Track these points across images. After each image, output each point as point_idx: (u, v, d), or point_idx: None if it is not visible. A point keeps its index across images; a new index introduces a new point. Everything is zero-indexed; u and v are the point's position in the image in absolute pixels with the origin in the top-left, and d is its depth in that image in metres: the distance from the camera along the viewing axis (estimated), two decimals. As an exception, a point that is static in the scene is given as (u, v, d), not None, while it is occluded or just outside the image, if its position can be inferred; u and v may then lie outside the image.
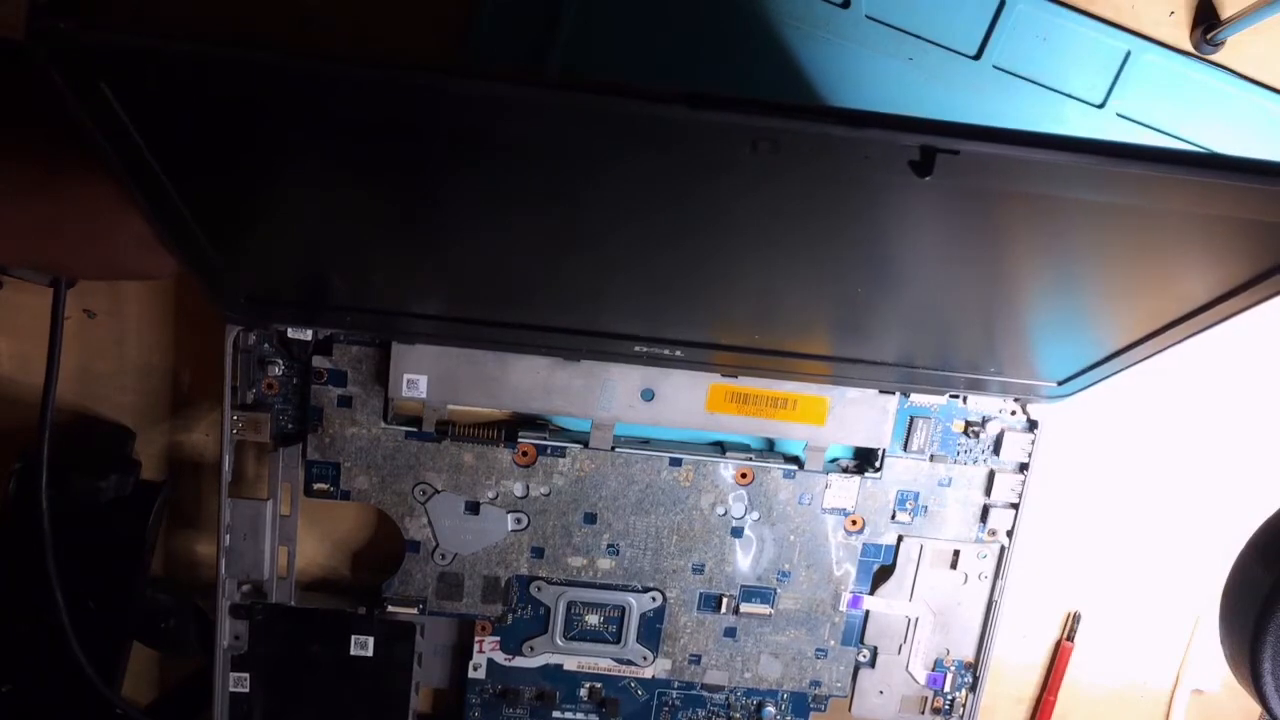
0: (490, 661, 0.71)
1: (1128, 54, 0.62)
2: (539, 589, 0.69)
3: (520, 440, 0.66)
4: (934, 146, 0.34)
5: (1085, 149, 0.35)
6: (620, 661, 0.71)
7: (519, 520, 0.68)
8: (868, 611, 0.72)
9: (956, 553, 0.71)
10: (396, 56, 0.34)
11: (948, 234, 0.46)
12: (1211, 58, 0.64)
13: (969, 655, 0.73)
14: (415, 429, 0.66)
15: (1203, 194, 0.38)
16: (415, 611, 0.68)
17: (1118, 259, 0.47)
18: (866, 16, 0.61)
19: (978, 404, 0.68)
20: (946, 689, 0.73)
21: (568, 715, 0.72)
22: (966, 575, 0.71)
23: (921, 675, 0.73)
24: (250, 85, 0.36)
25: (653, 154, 0.39)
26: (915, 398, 0.67)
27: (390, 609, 0.68)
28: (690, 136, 0.36)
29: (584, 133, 0.37)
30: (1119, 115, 0.63)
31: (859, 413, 0.67)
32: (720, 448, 0.69)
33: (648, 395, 0.65)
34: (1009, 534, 0.70)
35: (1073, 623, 0.78)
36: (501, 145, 0.40)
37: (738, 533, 0.69)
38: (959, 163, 0.35)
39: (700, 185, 0.42)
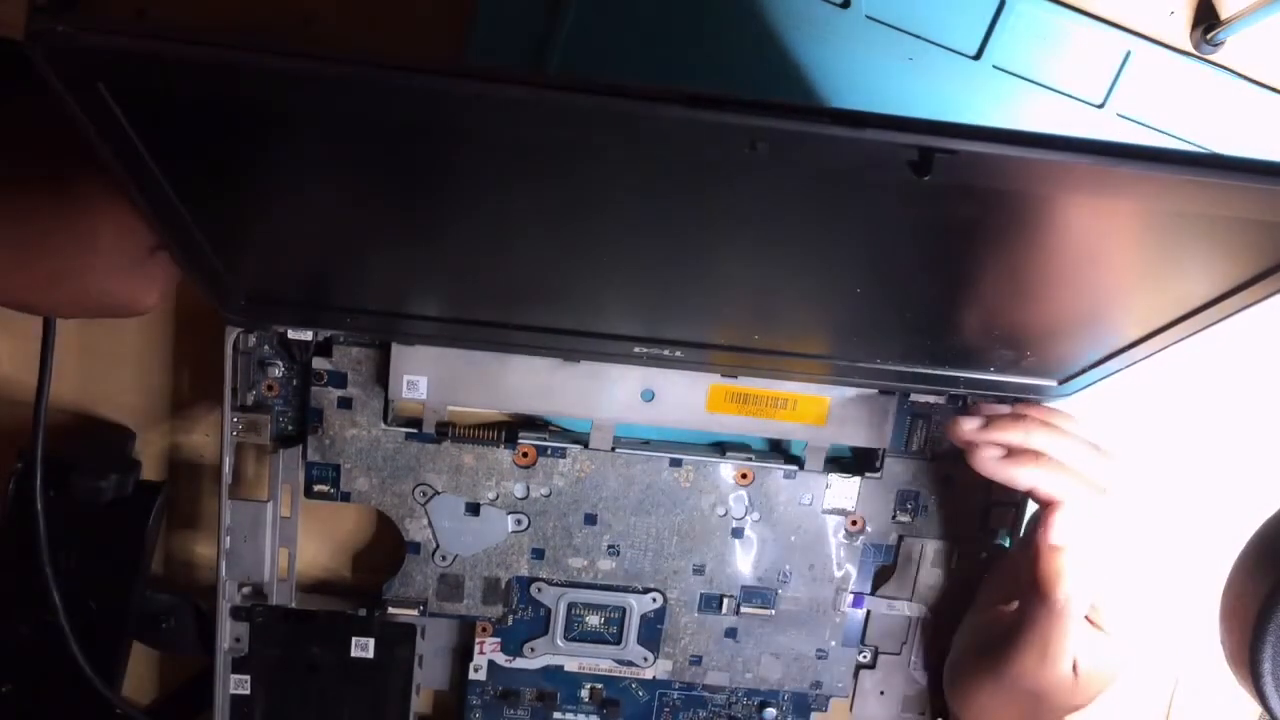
0: (491, 663, 0.71)
1: (1128, 54, 0.62)
2: (539, 590, 0.69)
3: (520, 441, 0.66)
4: (932, 147, 0.34)
5: (1083, 149, 0.35)
6: (621, 662, 0.71)
7: (519, 521, 0.68)
8: (869, 612, 0.72)
9: (956, 552, 0.70)
10: (395, 56, 0.34)
11: (947, 233, 0.46)
12: (1211, 58, 0.64)
13: (970, 655, 0.73)
14: (415, 430, 0.66)
15: (1201, 194, 0.38)
16: (416, 613, 0.68)
17: (1116, 258, 0.47)
18: (866, 16, 0.61)
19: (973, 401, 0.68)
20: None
21: (569, 716, 0.72)
22: (968, 575, 0.71)
23: (923, 675, 0.73)
24: (248, 87, 0.36)
25: (652, 154, 0.39)
26: (915, 398, 0.67)
27: (391, 611, 0.68)
28: (689, 137, 0.36)
29: (583, 133, 0.37)
30: (1119, 115, 0.63)
31: (859, 413, 0.67)
32: (720, 448, 0.69)
33: (648, 396, 0.65)
34: (1010, 534, 0.70)
35: (1073, 623, 0.78)
36: (500, 145, 0.40)
37: (738, 533, 0.69)
38: (957, 163, 0.35)
39: (699, 185, 0.42)
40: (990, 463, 0.61)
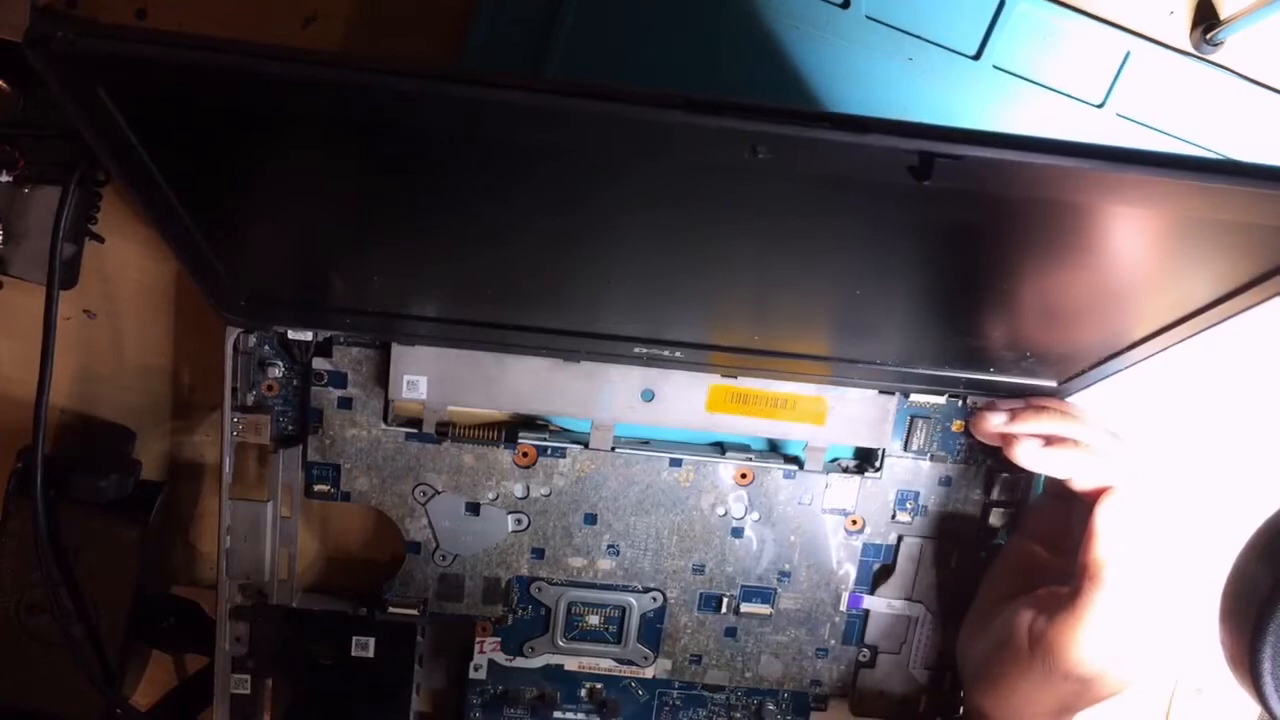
0: (491, 662, 0.71)
1: (1128, 54, 0.62)
2: (540, 589, 0.69)
3: (520, 441, 0.66)
4: (933, 152, 0.34)
5: (1085, 154, 0.35)
6: (621, 662, 0.71)
7: (519, 521, 0.68)
8: (868, 611, 0.72)
9: (956, 552, 0.71)
10: (393, 61, 0.34)
11: (948, 236, 0.46)
12: (1211, 58, 0.64)
13: (969, 655, 0.73)
14: (415, 430, 0.66)
15: (1202, 198, 0.38)
16: (416, 612, 0.68)
17: (1117, 261, 0.47)
18: (866, 17, 0.61)
19: (978, 403, 0.68)
20: (948, 688, 0.73)
21: (568, 716, 0.72)
22: (968, 575, 0.71)
23: (922, 675, 0.73)
24: (247, 91, 0.36)
25: (652, 157, 0.39)
26: (915, 398, 0.67)
27: (391, 610, 0.68)
28: (689, 141, 0.36)
29: (583, 137, 0.37)
30: (1119, 115, 0.63)
31: (859, 413, 0.67)
32: (720, 448, 0.69)
33: (647, 396, 0.65)
34: (1010, 533, 0.70)
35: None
36: (500, 148, 0.41)
37: (738, 533, 0.69)
38: (957, 168, 0.35)
39: (699, 188, 0.42)
40: (1031, 454, 0.62)
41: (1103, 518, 0.60)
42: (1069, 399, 0.64)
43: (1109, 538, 0.60)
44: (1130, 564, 0.60)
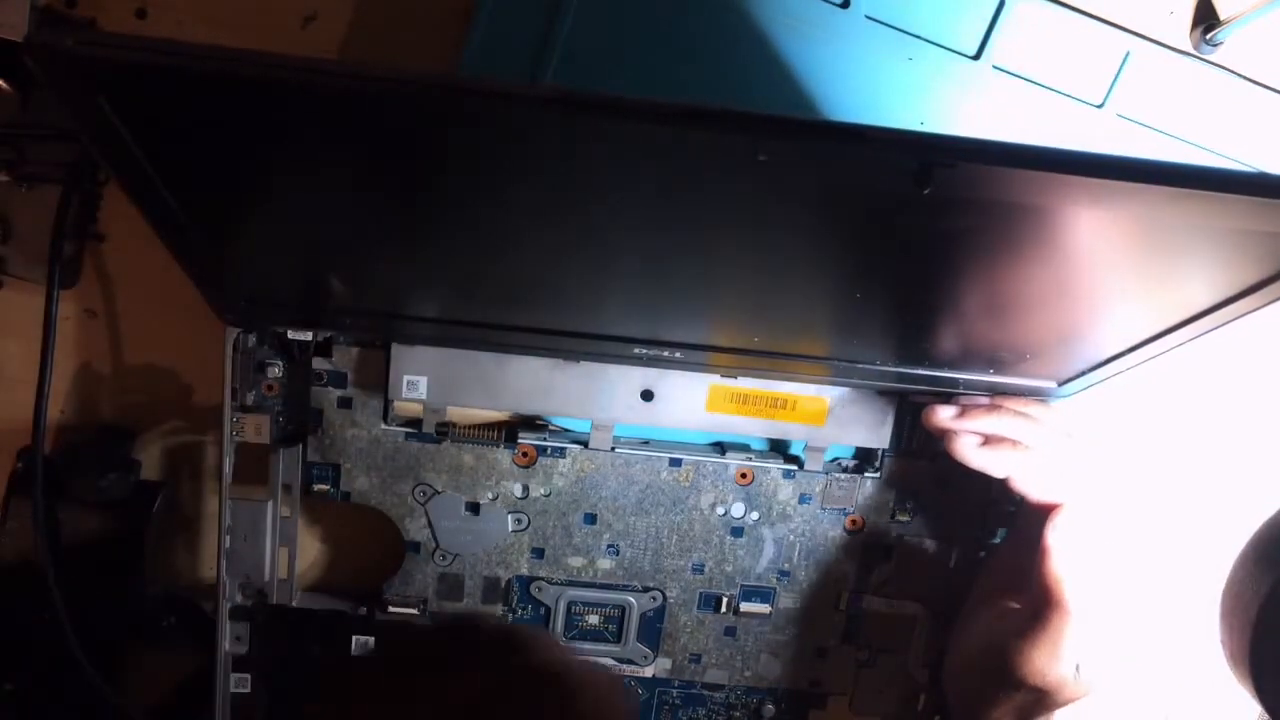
0: (491, 661, 0.71)
1: (1128, 54, 0.62)
2: (539, 589, 0.69)
3: (520, 441, 0.66)
4: (932, 161, 0.34)
5: (1083, 165, 0.35)
6: (621, 661, 0.71)
7: (519, 521, 0.68)
8: (868, 611, 0.72)
9: (956, 552, 0.71)
10: (391, 69, 0.34)
11: (947, 241, 0.46)
12: (1211, 58, 0.63)
13: (969, 654, 0.73)
14: (415, 430, 0.66)
15: (1200, 206, 0.38)
16: (416, 612, 0.68)
17: (1116, 266, 0.47)
18: (866, 17, 0.61)
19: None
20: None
21: (568, 715, 0.72)
22: (967, 575, 0.71)
23: (921, 674, 0.73)
24: (245, 99, 0.36)
25: (652, 164, 0.39)
26: (915, 398, 0.67)
27: (391, 610, 0.68)
28: (690, 150, 0.36)
29: (583, 144, 0.37)
30: (1118, 115, 0.63)
31: (859, 413, 0.67)
32: (720, 448, 0.69)
33: (647, 396, 0.65)
34: (1007, 534, 0.70)
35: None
36: (501, 153, 0.40)
37: (738, 533, 0.69)
38: (958, 176, 0.35)
39: (699, 193, 0.42)
40: (966, 450, 0.63)
41: (1053, 536, 0.61)
42: (1054, 402, 0.64)
43: (1060, 556, 0.61)
44: (1081, 581, 0.61)
